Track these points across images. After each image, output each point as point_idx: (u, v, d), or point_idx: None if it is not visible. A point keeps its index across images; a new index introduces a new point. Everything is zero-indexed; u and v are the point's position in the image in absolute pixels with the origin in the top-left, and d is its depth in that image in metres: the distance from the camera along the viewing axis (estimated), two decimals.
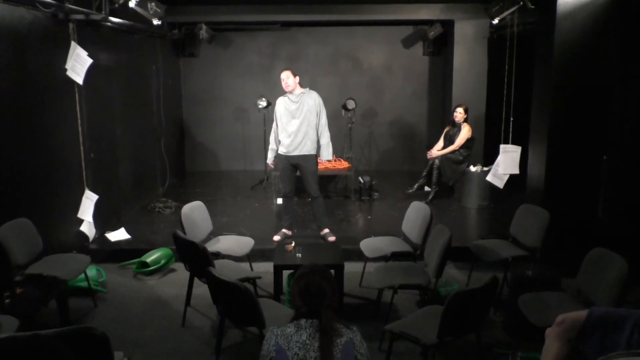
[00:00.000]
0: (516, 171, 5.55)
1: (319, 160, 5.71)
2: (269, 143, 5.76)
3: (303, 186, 5.70)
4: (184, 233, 4.32)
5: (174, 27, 8.26)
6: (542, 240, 4.30)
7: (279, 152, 5.59)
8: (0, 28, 4.27)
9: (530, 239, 4.43)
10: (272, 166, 5.92)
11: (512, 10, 5.84)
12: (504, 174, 5.58)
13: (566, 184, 5.09)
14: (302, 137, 5.44)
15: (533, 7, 5.53)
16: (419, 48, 9.53)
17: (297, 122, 5.42)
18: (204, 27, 8.19)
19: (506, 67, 6.14)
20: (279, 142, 5.59)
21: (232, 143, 9.80)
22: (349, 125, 8.14)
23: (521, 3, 5.61)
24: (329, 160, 5.84)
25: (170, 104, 8.64)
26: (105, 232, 5.88)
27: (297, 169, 5.61)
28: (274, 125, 5.64)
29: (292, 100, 5.47)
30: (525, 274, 4.14)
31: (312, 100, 5.45)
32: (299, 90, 5.47)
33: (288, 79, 5.41)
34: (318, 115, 5.47)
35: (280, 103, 5.55)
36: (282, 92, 5.61)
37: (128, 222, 6.34)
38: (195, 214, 4.72)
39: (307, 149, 5.47)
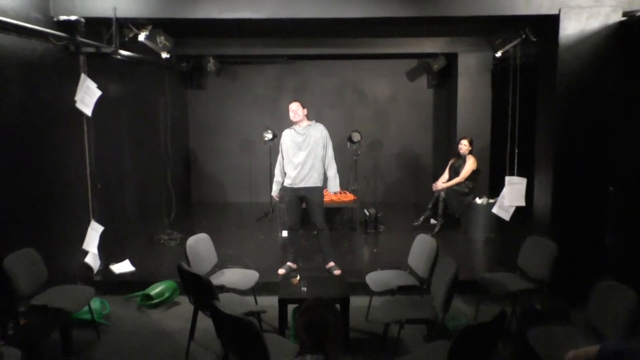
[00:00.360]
0: (522, 203, 5.53)
1: (325, 192, 5.72)
2: (274, 175, 5.78)
3: (309, 218, 5.70)
4: (189, 265, 4.30)
5: (182, 59, 8.38)
6: (549, 273, 4.25)
7: (285, 184, 5.60)
8: (13, 59, 4.36)
9: (538, 271, 4.38)
10: (277, 198, 5.93)
11: (515, 43, 5.90)
12: (510, 206, 5.56)
13: (573, 216, 5.06)
14: (309, 169, 5.46)
15: (535, 39, 5.60)
16: (423, 80, 9.62)
17: (304, 154, 5.45)
18: (211, 60, 8.31)
19: (510, 98, 6.19)
20: (285, 174, 5.61)
21: (238, 175, 9.81)
22: (355, 157, 8.15)
23: (523, 36, 5.67)
24: (336, 192, 5.84)
25: (177, 135, 8.70)
26: (110, 264, 5.86)
27: (303, 201, 5.61)
28: (279, 157, 5.67)
29: (298, 133, 5.50)
30: (533, 307, 4.08)
31: (318, 133, 5.49)
32: (305, 122, 5.52)
33: (299, 109, 5.47)
34: (325, 148, 5.51)
35: (287, 135, 5.58)
36: (289, 124, 5.66)
37: (133, 253, 6.32)
38: (200, 246, 4.70)
39: (314, 181, 5.49)
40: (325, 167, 5.56)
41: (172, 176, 7.98)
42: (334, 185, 5.61)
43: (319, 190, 5.56)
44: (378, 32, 7.50)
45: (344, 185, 7.99)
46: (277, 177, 5.70)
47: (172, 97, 8.21)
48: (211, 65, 8.33)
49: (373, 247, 6.82)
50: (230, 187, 9.87)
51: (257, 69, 9.62)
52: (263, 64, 9.51)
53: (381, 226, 7.50)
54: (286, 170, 5.57)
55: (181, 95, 9.32)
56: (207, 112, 9.72)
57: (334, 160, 5.59)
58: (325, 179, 5.60)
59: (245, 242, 6.97)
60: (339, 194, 7.52)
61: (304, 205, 5.66)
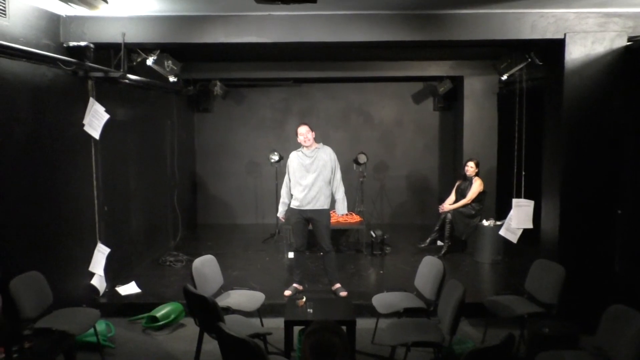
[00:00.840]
0: (529, 225, 5.50)
1: (332, 214, 5.72)
2: (280, 197, 5.79)
3: (315, 240, 5.70)
4: (195, 287, 4.29)
5: (189, 83, 8.46)
6: (558, 296, 4.22)
7: (292, 206, 5.62)
8: (22, 84, 4.43)
9: (546, 295, 4.35)
10: (283, 219, 5.94)
11: (520, 67, 5.94)
12: (517, 228, 5.53)
13: (581, 238, 5.03)
14: (316, 191, 5.48)
15: (541, 63, 5.63)
16: (429, 103, 9.66)
17: (312, 176, 5.48)
18: (218, 83, 8.39)
19: (516, 121, 6.21)
20: (291, 196, 5.63)
21: (244, 196, 9.83)
22: (361, 179, 8.17)
23: (529, 60, 5.71)
24: (344, 215, 5.88)
25: (183, 158, 8.76)
26: (115, 286, 5.86)
27: (309, 223, 5.62)
28: (285, 178, 5.70)
29: (306, 155, 5.54)
30: (542, 332, 4.04)
31: (326, 156, 5.54)
32: (313, 145, 5.56)
33: (308, 133, 5.52)
34: (333, 171, 5.56)
35: (294, 157, 5.62)
36: (295, 146, 5.69)
37: (139, 275, 6.33)
38: (206, 268, 4.70)
39: (321, 203, 5.52)
40: (334, 190, 5.60)
41: (178, 198, 8.00)
42: (342, 207, 5.65)
43: (326, 213, 5.58)
44: (384, 56, 7.57)
45: (350, 207, 7.97)
46: (284, 199, 5.72)
47: (179, 120, 8.28)
48: (218, 88, 8.41)
49: (379, 269, 6.79)
50: (236, 209, 9.88)
51: (263, 92, 9.70)
52: (269, 87, 9.59)
53: (387, 248, 7.47)
54: (293, 192, 5.60)
55: (188, 118, 9.40)
56: (214, 134, 9.79)
57: (342, 183, 5.64)
58: (332, 201, 5.63)
59: (251, 264, 6.96)
60: (345, 216, 7.51)
61: (310, 227, 5.67)
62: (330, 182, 5.55)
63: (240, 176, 9.81)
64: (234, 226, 9.59)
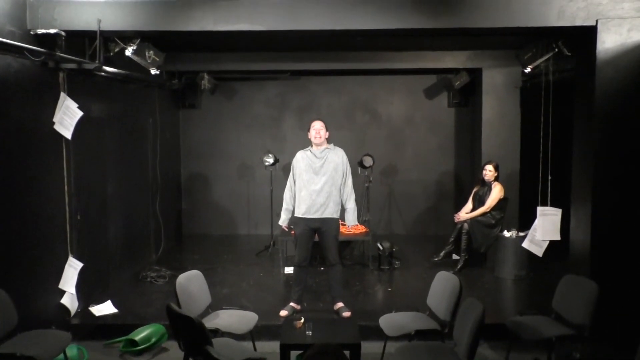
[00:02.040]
0: (557, 237, 5.48)
1: (352, 229, 5.71)
2: (282, 202, 5.73)
3: (321, 252, 5.69)
4: (179, 306, 4.26)
5: (174, 76, 8.45)
6: (590, 316, 4.18)
7: (297, 214, 5.58)
8: None
9: (576, 315, 4.31)
10: (286, 228, 5.91)
11: (547, 58, 5.91)
12: (543, 240, 5.51)
13: (615, 251, 4.99)
14: (326, 197, 5.46)
15: (569, 53, 5.61)
16: (443, 98, 9.66)
17: (321, 180, 5.46)
18: (206, 76, 8.39)
19: (542, 119, 6.18)
20: (294, 201, 5.61)
21: (235, 204, 9.82)
22: (367, 184, 8.15)
23: (556, 50, 5.68)
24: (354, 226, 5.87)
25: (167, 160, 8.74)
26: (89, 305, 5.82)
27: (315, 233, 5.60)
28: (289, 181, 5.66)
29: (315, 156, 5.52)
30: (572, 356, 4.01)
31: (338, 158, 5.53)
32: (324, 145, 5.55)
33: (322, 130, 5.52)
34: (344, 175, 5.54)
35: (302, 158, 5.59)
36: (292, 147, 5.68)
37: (116, 293, 6.30)
38: (192, 285, 4.67)
39: (330, 211, 5.50)
40: (344, 198, 5.59)
41: (161, 205, 7.98)
42: (352, 218, 5.64)
43: (335, 222, 5.58)
44: (393, 45, 7.56)
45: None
46: (287, 205, 5.68)
47: (162, 118, 8.26)
48: (205, 82, 8.41)
49: (387, 286, 6.77)
50: (226, 218, 9.86)
51: (257, 86, 9.69)
52: (263, 80, 9.59)
53: (396, 262, 7.45)
54: (298, 198, 5.56)
55: (172, 116, 9.40)
56: (201, 134, 9.79)
57: (353, 191, 5.64)
58: (341, 209, 5.62)
59: (243, 280, 6.93)
60: (352, 227, 7.49)
61: (316, 239, 5.66)
62: (340, 188, 5.55)
63: (230, 181, 9.81)
64: (224, 237, 9.57)
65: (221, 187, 9.83)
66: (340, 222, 5.73)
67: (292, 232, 5.88)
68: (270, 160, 8.14)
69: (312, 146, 5.59)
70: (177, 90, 9.07)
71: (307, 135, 5.62)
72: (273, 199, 8.45)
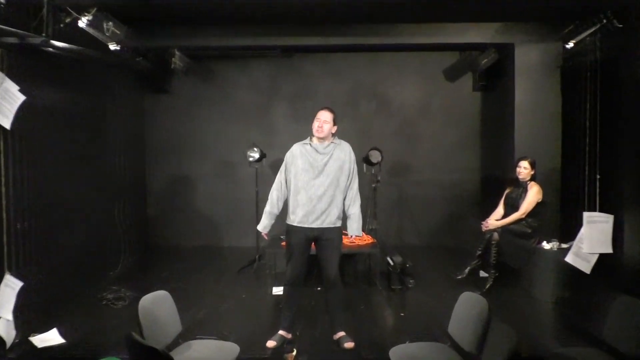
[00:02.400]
0: (608, 250, 5.45)
1: (355, 240, 5.64)
2: (267, 203, 5.65)
3: (318, 269, 5.62)
4: (142, 336, 4.22)
5: (138, 54, 8.40)
6: None
7: (291, 222, 5.51)
8: None
9: (633, 346, 4.27)
10: (266, 236, 5.82)
11: (593, 31, 5.88)
12: (591, 253, 5.48)
13: None
14: (328, 203, 5.40)
15: (620, 25, 5.56)
16: (466, 81, 9.67)
17: (324, 182, 5.39)
18: (178, 54, 8.34)
19: (587, 106, 6.15)
20: (281, 204, 5.54)
21: (213, 209, 9.82)
22: (373, 185, 8.12)
23: (604, 21, 5.64)
24: (358, 236, 5.81)
25: (130, 156, 8.72)
26: (30, 335, 5.76)
27: (312, 244, 5.54)
28: (279, 179, 5.58)
29: (317, 151, 5.45)
30: None
31: (344, 155, 5.48)
32: (329, 139, 5.50)
33: (327, 123, 5.44)
34: (350, 176, 5.50)
35: (299, 153, 5.50)
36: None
37: (63, 319, 6.23)
38: (158, 309, 4.62)
39: (332, 219, 5.44)
40: (347, 203, 5.54)
41: (121, 211, 7.95)
42: (357, 227, 5.58)
43: (337, 232, 5.51)
44: (405, 16, 7.53)
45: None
46: (272, 207, 5.58)
47: (123, 105, 8.23)
48: (177, 61, 8.36)
49: (399, 310, 6.72)
50: (201, 226, 9.85)
51: (240, 66, 9.70)
52: (248, 59, 9.58)
53: (410, 280, 7.43)
54: (292, 202, 5.49)
55: (136, 102, 9.38)
56: (172, 124, 9.78)
57: (359, 195, 5.59)
58: (344, 217, 5.57)
59: (222, 302, 6.90)
60: (356, 237, 7.44)
61: (312, 251, 5.59)
62: (344, 192, 5.50)
63: (207, 181, 9.81)
64: (199, 250, 9.56)
65: (196, 188, 9.82)
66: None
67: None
68: (255, 155, 8.10)
69: (312, 139, 5.52)
70: (143, 71, 9.01)
71: (311, 126, 5.56)
72: (259, 202, 8.38)
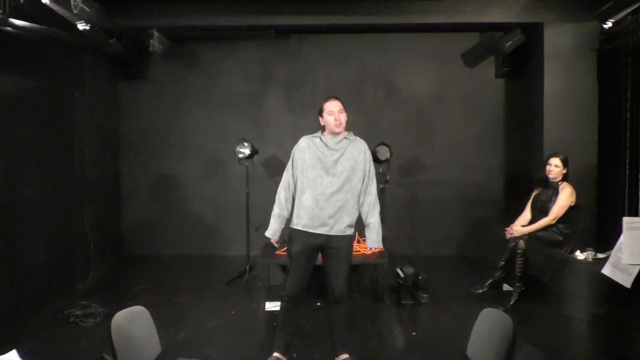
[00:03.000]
0: None
1: (358, 247, 5.56)
2: (270, 206, 5.56)
3: (320, 281, 5.59)
4: (115, 358, 4.21)
5: (111, 34, 8.40)
6: None
7: (295, 226, 5.48)
8: None
9: None
10: (276, 243, 5.79)
11: (635, 8, 5.86)
12: (632, 265, 5.46)
13: None
14: (339, 206, 5.35)
15: None
16: (488, 67, 9.69)
17: (335, 182, 5.35)
18: (156, 34, 8.34)
19: (627, 94, 6.14)
20: (292, 204, 5.51)
21: (198, 213, 9.84)
22: (381, 186, 8.10)
23: None
24: (378, 248, 5.73)
25: (102, 153, 8.73)
26: None
27: (318, 253, 5.51)
28: (286, 176, 5.53)
29: (328, 146, 5.41)
30: None
31: (359, 153, 5.44)
32: (343, 133, 5.48)
33: (343, 113, 5.44)
34: (366, 178, 5.46)
35: (307, 147, 5.46)
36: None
37: (26, 339, 6.22)
38: (134, 327, 4.61)
39: (340, 227, 5.38)
40: (364, 210, 5.51)
41: (92, 216, 7.93)
42: (376, 238, 5.54)
43: (348, 241, 5.48)
44: None
45: (363, 230, 7.91)
46: (281, 209, 5.52)
47: (94, 93, 8.22)
48: (156, 43, 8.36)
49: (411, 329, 6.71)
50: (184, 233, 9.88)
51: (229, 49, 9.72)
52: (238, 41, 9.60)
53: (423, 295, 7.42)
54: (297, 202, 5.46)
55: (109, 91, 9.39)
56: (150, 115, 9.79)
57: (378, 200, 5.56)
58: (357, 224, 5.53)
59: (208, 319, 6.89)
60: (355, 244, 7.42)
61: (318, 261, 5.57)
62: (359, 196, 5.48)
63: (191, 181, 9.83)
64: (181, 260, 9.59)
65: (177, 190, 9.84)
66: (357, 242, 5.64)
67: (282, 249, 5.78)
68: (245, 151, 8.09)
69: (323, 132, 5.50)
70: (116, 54, 9.02)
71: (320, 121, 5.53)
72: (250, 205, 8.40)
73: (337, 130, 5.41)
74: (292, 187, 5.53)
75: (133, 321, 4.64)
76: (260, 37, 9.36)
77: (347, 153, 5.41)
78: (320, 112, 5.49)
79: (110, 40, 8.41)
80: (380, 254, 7.50)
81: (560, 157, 7.16)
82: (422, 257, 9.23)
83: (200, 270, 9.03)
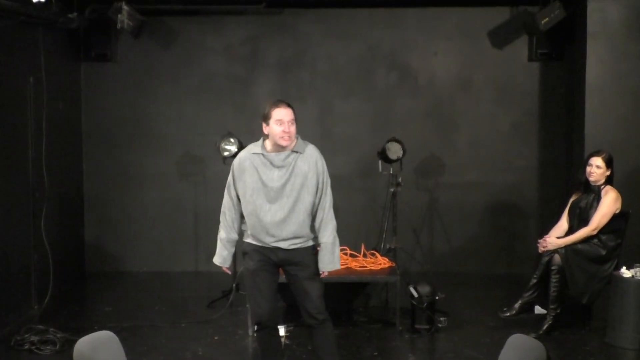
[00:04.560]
0: None
1: (365, 262, 5.56)
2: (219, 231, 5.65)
3: (298, 305, 5.63)
4: None
5: (71, 6, 8.43)
6: None
7: (249, 240, 5.53)
8: None
9: None
10: (229, 271, 5.86)
11: None
12: None
13: None
14: (292, 231, 5.34)
15: None
16: (521, 47, 9.70)
17: (285, 205, 5.35)
18: (125, 8, 8.38)
19: None
20: (237, 227, 5.54)
21: (175, 221, 9.88)
22: (392, 190, 8.16)
23: None
24: (331, 270, 5.73)
25: (61, 148, 8.75)
26: None
27: (278, 269, 5.56)
28: (227, 197, 5.54)
29: (273, 164, 5.38)
30: None
31: (308, 167, 5.41)
32: (292, 144, 5.44)
33: (292, 124, 5.35)
34: (320, 190, 5.48)
35: (249, 166, 5.44)
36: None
37: None
38: (100, 356, 4.65)
39: (301, 241, 5.42)
40: (316, 227, 5.51)
41: (49, 225, 7.96)
42: (329, 259, 5.50)
43: (310, 253, 5.53)
44: None
45: (371, 243, 7.97)
46: (227, 233, 5.57)
47: (51, 77, 8.24)
48: (124, 17, 8.40)
49: (426, 358, 6.80)
50: (159, 246, 9.91)
51: (212, 24, 9.75)
52: (222, 15, 9.64)
53: (441, 318, 7.45)
54: (247, 219, 5.47)
55: (69, 74, 9.41)
56: (118, 104, 9.81)
57: (332, 212, 5.55)
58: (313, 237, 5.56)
59: (187, 347, 6.91)
60: (361, 259, 7.47)
61: (282, 279, 5.61)
62: (312, 211, 5.50)
63: (167, 183, 9.86)
64: (155, 277, 9.62)
65: (150, 193, 9.87)
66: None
67: (227, 269, 5.79)
68: (231, 148, 8.12)
69: (265, 142, 5.46)
70: (77, 30, 9.06)
71: (263, 128, 5.42)
72: None
73: (283, 144, 5.31)
74: (237, 206, 5.51)
75: (99, 349, 4.67)
76: (248, 12, 9.42)
77: (295, 169, 5.36)
78: (265, 118, 5.37)
79: (70, 15, 8.45)
80: (390, 270, 7.58)
81: (603, 156, 7.12)
82: (441, 274, 9.25)
83: (178, 288, 9.08)
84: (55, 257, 7.98)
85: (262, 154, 5.38)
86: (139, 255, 9.87)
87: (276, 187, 5.33)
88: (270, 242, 5.39)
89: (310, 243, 5.47)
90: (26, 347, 6.82)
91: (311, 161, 5.39)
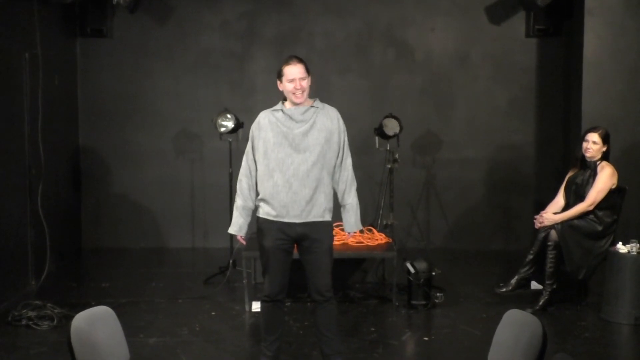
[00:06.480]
0: None
1: (337, 233, 5.57)
2: (236, 197, 5.65)
3: (306, 279, 5.63)
4: None
5: None
6: None
7: (264, 215, 5.50)
8: None
9: None
10: (243, 241, 5.84)
11: None
12: None
13: None
14: (313, 188, 5.33)
15: None
16: (518, 23, 9.67)
17: (306, 159, 5.34)
18: None
19: None
20: (257, 194, 5.53)
21: (171, 198, 9.88)
22: (389, 166, 8.17)
23: None
24: (355, 233, 5.76)
25: (56, 124, 8.73)
26: None
27: (295, 245, 5.55)
28: (246, 161, 5.53)
29: (293, 119, 5.38)
30: None
31: (332, 123, 5.41)
32: (308, 101, 5.46)
33: (303, 79, 5.34)
34: (341, 151, 5.47)
35: (269, 123, 5.40)
36: (263, 104, 5.60)
37: None
38: (97, 331, 4.64)
39: (319, 211, 5.37)
40: (340, 188, 5.51)
41: (45, 201, 7.96)
42: (354, 220, 5.55)
43: (327, 228, 5.49)
44: None
45: (368, 218, 7.97)
46: (245, 200, 5.51)
47: (46, 54, 8.22)
48: None
49: (423, 334, 6.79)
50: (155, 222, 9.93)
51: (208, 0, 9.71)
52: None
53: (438, 294, 7.48)
54: (262, 189, 5.48)
55: (65, 50, 9.38)
56: (113, 80, 9.79)
57: (354, 175, 5.57)
58: (335, 207, 5.55)
59: (183, 323, 6.92)
60: (359, 235, 7.48)
61: (295, 255, 5.59)
62: (333, 173, 5.53)
63: (163, 159, 9.86)
64: (152, 253, 9.65)
65: (147, 169, 9.87)
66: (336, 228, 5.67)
67: (241, 238, 5.78)
68: (228, 124, 8.10)
69: (284, 103, 5.50)
70: (73, 6, 9.01)
71: (278, 85, 5.48)
72: (233, 188, 8.38)
73: (297, 101, 5.32)
74: (254, 173, 5.48)
75: (96, 324, 4.67)
76: None
77: (317, 123, 5.35)
78: (279, 76, 5.41)
79: None
80: (387, 246, 7.58)
81: (600, 132, 7.10)
82: (438, 250, 9.30)
83: (175, 265, 9.09)
84: (52, 233, 7.99)
85: (282, 110, 5.38)
86: (135, 231, 9.88)
87: (299, 138, 5.32)
88: (288, 212, 5.34)
89: (327, 218, 5.46)
90: (23, 322, 6.84)
91: (333, 117, 5.44)
